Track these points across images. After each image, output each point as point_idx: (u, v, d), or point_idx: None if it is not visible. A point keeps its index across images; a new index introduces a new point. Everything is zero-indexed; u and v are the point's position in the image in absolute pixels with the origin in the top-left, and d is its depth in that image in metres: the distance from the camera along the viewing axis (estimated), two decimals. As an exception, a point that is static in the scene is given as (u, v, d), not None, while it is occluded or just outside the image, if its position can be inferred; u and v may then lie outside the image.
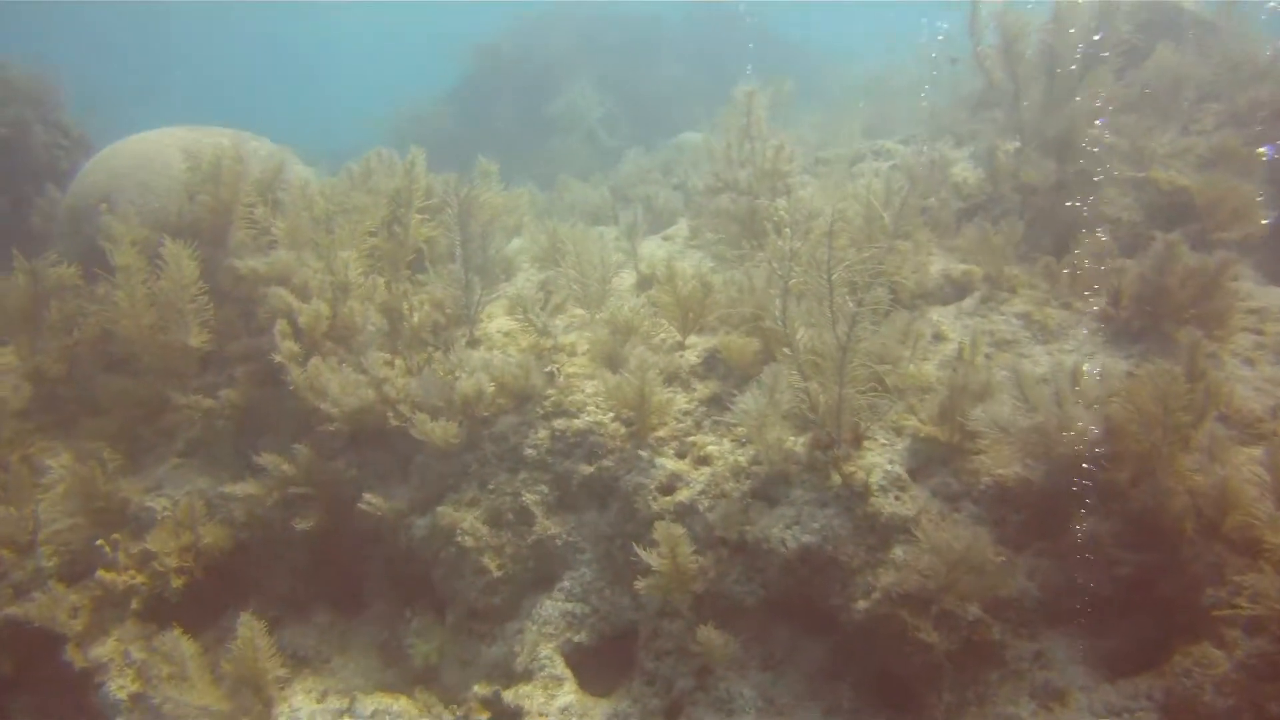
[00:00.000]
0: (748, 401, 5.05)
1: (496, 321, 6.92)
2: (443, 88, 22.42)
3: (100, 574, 6.01)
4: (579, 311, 6.83)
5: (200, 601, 6.20)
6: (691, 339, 6.31)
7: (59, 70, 12.18)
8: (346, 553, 6.38)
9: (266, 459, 6.04)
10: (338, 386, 5.91)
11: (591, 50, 20.08)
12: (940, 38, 11.27)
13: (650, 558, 4.90)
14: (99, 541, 6.12)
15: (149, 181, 7.93)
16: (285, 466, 5.97)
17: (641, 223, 7.93)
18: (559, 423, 5.82)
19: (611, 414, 5.75)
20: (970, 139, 9.00)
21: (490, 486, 5.78)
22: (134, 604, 6.08)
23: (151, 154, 8.19)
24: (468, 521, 5.60)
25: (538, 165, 16.85)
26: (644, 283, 7.37)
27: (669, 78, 20.02)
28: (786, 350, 5.26)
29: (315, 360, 6.01)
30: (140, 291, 6.53)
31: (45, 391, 7.39)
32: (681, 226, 8.91)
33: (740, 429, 5.45)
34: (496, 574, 5.60)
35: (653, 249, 8.20)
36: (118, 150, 8.51)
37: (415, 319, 6.67)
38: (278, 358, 6.16)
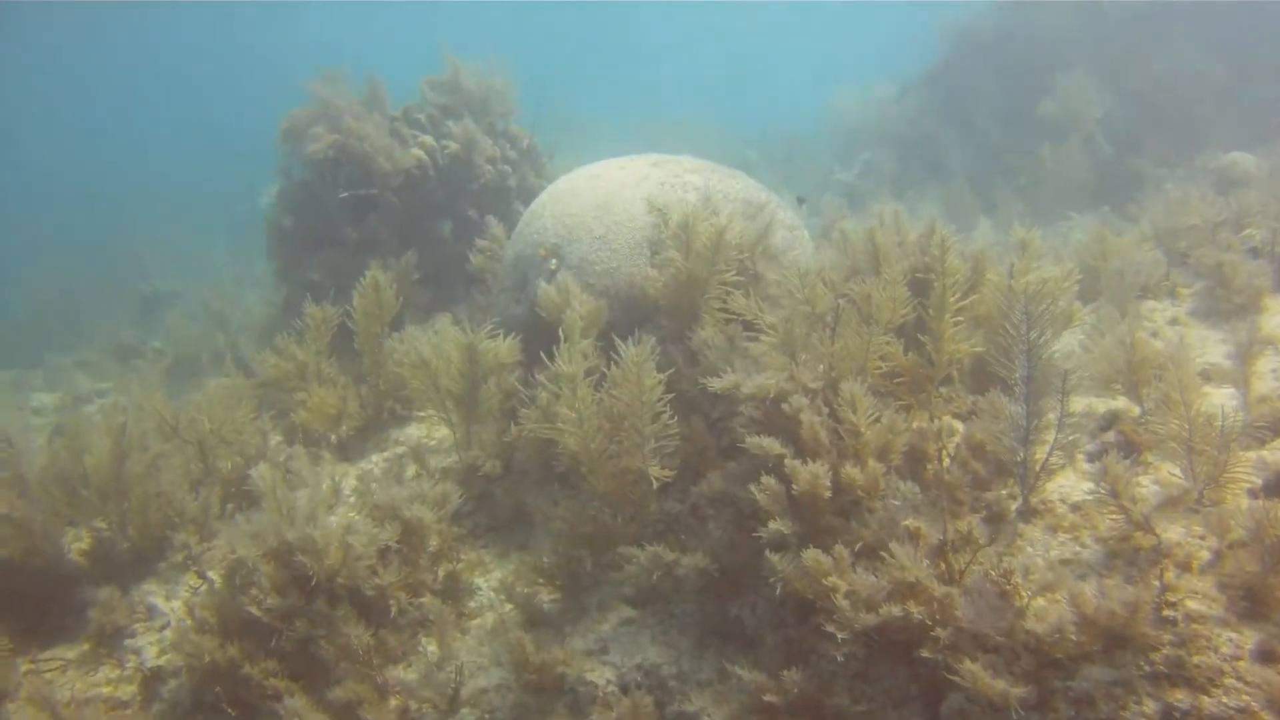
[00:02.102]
0: None
1: (1058, 479, 5.17)
2: (904, 73, 20.41)
3: (527, 775, 4.97)
4: (1175, 474, 4.95)
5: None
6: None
7: (510, 65, 11.51)
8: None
9: (746, 675, 4.67)
10: (847, 597, 4.43)
11: (1088, 31, 16.86)
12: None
13: None
14: (527, 734, 5.08)
15: (606, 235, 6.87)
16: (770, 696, 4.57)
17: (1251, 340, 5.82)
18: (1177, 696, 3.99)
19: (1262, 698, 3.87)
20: None
21: (1065, 774, 4.09)
22: (564, 803, 5.01)
23: (609, 197, 7.12)
24: (1029, 827, 3.96)
25: (1022, 175, 14.68)
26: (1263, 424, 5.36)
27: (1181, 69, 16.51)
28: None
29: (814, 554, 4.54)
30: (589, 407, 5.36)
31: (477, 490, 6.53)
32: (1285, 319, 6.69)
33: None
34: None
35: (1263, 367, 6.09)
36: (569, 189, 7.53)
37: (945, 467, 5.10)
38: (761, 536, 4.80)
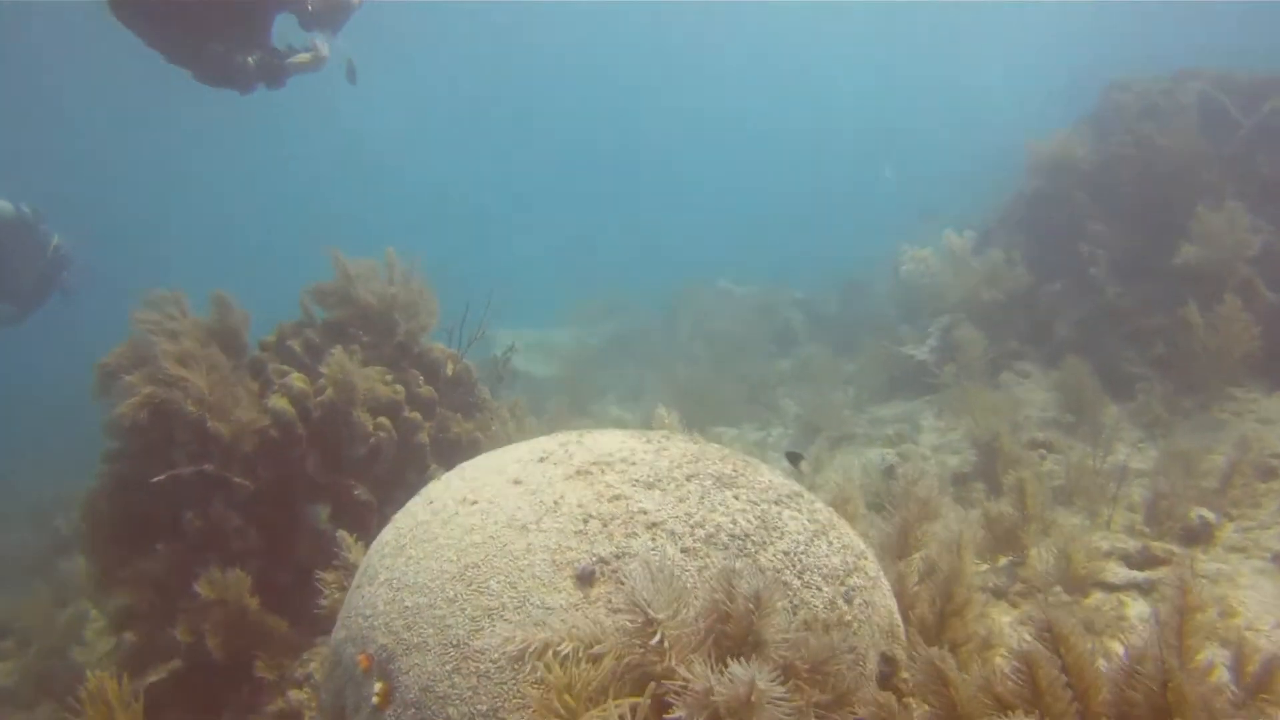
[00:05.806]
0: None
1: None
2: (980, 208, 17.07)
3: None
4: None
5: None
6: None
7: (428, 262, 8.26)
8: None
9: None
10: None
11: (1220, 150, 13.27)
12: None
13: None
14: None
15: (469, 639, 3.53)
16: None
17: None
18: None
19: None
20: None
21: None
22: None
23: (485, 552, 3.86)
24: None
25: (1159, 342, 11.19)
26: None
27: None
28: None
29: None
30: None
31: None
32: None
33: None
34: None
35: None
36: (423, 526, 4.23)
37: None
38: None
